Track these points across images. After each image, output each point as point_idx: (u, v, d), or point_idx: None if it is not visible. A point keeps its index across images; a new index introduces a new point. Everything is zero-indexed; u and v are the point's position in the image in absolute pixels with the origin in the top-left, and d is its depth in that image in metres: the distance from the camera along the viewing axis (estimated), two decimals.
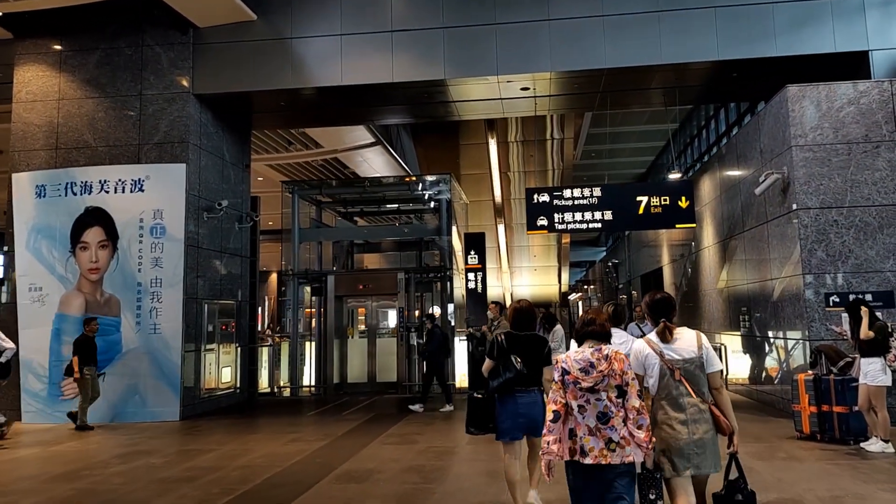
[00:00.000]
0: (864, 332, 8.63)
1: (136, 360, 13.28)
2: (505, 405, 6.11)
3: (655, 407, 4.66)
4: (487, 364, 6.27)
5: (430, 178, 20.21)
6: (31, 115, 14.42)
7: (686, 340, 4.68)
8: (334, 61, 14.05)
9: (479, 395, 6.45)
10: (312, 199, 19.79)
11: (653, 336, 4.75)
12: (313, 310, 18.95)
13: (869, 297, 10.45)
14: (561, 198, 14.51)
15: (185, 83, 14.27)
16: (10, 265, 14.10)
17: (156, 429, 12.28)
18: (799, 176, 11.16)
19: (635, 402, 4.28)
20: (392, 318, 19.58)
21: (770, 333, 12.67)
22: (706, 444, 4.50)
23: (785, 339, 11.97)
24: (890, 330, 8.86)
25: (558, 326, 10.83)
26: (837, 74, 12.51)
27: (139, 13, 14.39)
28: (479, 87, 14.57)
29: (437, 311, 17.94)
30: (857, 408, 8.94)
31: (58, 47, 14.57)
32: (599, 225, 14.60)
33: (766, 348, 12.97)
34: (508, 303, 37.62)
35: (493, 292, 35.89)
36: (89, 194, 13.83)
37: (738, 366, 14.71)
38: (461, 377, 17.29)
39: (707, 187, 16.61)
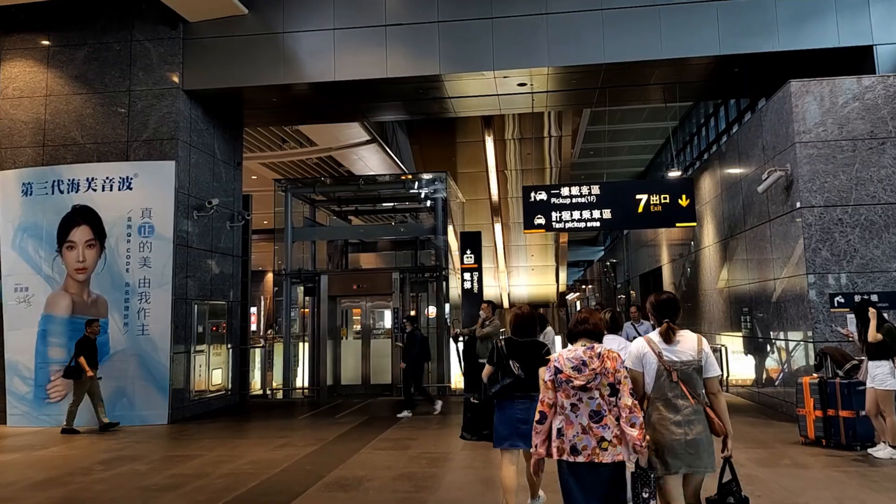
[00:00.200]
0: (872, 334, 8.35)
1: (123, 362, 12.98)
2: (503, 411, 6.02)
3: (650, 407, 4.61)
4: (487, 370, 6.19)
5: (425, 176, 19.98)
6: (17, 111, 14.13)
7: (686, 343, 4.64)
8: (327, 56, 13.77)
9: (476, 400, 6.43)
10: (306, 197, 19.51)
11: (654, 336, 4.71)
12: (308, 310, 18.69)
13: (875, 297, 10.19)
14: (559, 196, 14.24)
15: (174, 79, 13.99)
16: None
17: (143, 433, 11.99)
18: (803, 173, 10.89)
19: (628, 400, 4.29)
20: (387, 319, 19.29)
21: (772, 335, 12.40)
22: (700, 445, 4.48)
23: (787, 340, 11.71)
24: None
25: (549, 328, 10.61)
26: (841, 70, 12.24)
27: (128, 7, 14.12)
28: (475, 82, 14.29)
29: (432, 311, 17.70)
30: (864, 412, 8.65)
31: (45, 42, 14.29)
32: (598, 224, 14.32)
33: (769, 350, 12.69)
34: (506, 303, 37.57)
35: (490, 292, 35.75)
36: (76, 192, 13.55)
37: (740, 367, 14.44)
38: (456, 378, 17.02)
39: (707, 185, 16.34)
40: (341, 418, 13.05)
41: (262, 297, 36.45)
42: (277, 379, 18.45)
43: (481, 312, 11.92)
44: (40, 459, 9.88)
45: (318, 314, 17.45)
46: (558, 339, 18.78)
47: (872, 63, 12.18)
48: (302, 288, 18.31)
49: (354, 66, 13.73)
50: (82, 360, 12.01)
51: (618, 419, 4.31)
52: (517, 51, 13.35)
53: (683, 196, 13.86)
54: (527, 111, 17.77)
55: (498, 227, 34.65)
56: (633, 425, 4.24)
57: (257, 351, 18.78)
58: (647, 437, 4.34)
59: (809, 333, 10.69)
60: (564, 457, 4.37)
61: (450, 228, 19.65)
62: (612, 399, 4.34)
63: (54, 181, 13.63)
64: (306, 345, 18.12)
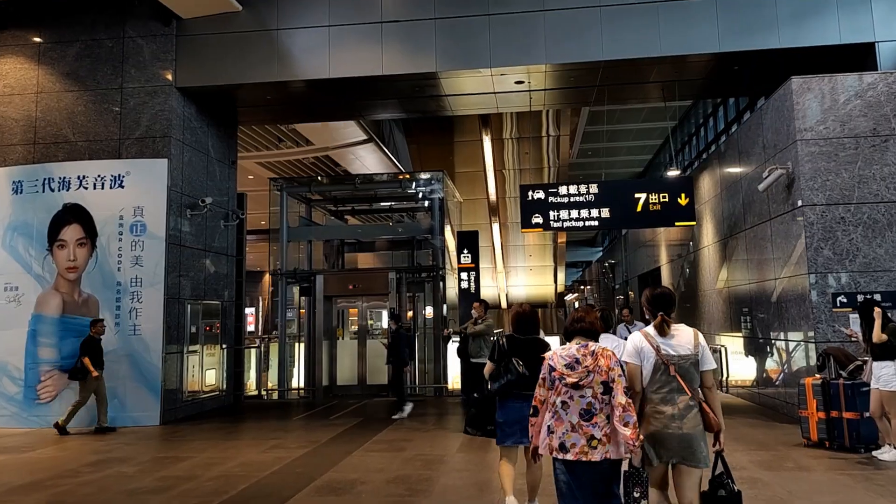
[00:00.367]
0: (877, 334, 8.16)
1: (115, 362, 12.70)
2: (505, 408, 6.05)
3: (645, 399, 4.63)
4: (488, 367, 6.24)
5: (422, 175, 19.80)
6: (8, 108, 13.97)
7: (683, 337, 4.66)
8: (322, 53, 13.61)
9: (478, 396, 6.56)
10: (302, 196, 19.34)
11: (650, 329, 4.73)
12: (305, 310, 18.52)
13: (878, 297, 10.01)
14: (556, 194, 14.07)
15: (167, 76, 13.83)
16: None
17: (134, 434, 11.80)
18: (804, 171, 10.72)
19: (622, 398, 4.30)
20: (383, 319, 19.11)
21: (773, 335, 12.22)
22: (693, 439, 4.48)
23: (788, 340, 11.53)
24: None
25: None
26: (842, 67, 12.09)
27: (120, 4, 13.97)
28: (472, 80, 14.10)
29: (429, 311, 17.52)
30: (868, 414, 8.45)
31: (36, 39, 14.14)
32: (596, 223, 14.14)
33: (769, 350, 12.51)
34: (504, 304, 37.41)
35: (488, 292, 35.60)
36: (67, 190, 13.36)
37: (740, 368, 14.26)
38: (454, 379, 16.85)
39: (707, 185, 16.17)
40: (336, 419, 12.86)
41: (260, 298, 36.25)
42: (273, 380, 18.24)
43: (473, 311, 11.77)
44: (28, 462, 9.67)
45: (313, 314, 17.26)
46: (552, 340, 18.60)
47: (875, 60, 12.02)
48: (297, 288, 18.12)
49: (350, 64, 13.57)
50: (87, 360, 11.86)
51: (609, 417, 4.33)
52: (514, 48, 13.17)
53: (683, 195, 13.69)
54: (524, 110, 17.61)
55: (496, 227, 34.50)
56: (626, 424, 4.24)
57: (253, 351, 18.57)
58: (641, 436, 4.33)
59: (811, 334, 10.51)
60: (553, 454, 4.41)
61: (447, 228, 19.49)
62: (605, 397, 4.36)
63: (45, 179, 13.45)
64: (302, 345, 17.91)
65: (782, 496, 6.86)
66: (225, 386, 15.41)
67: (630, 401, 4.34)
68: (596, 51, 12.96)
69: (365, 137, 23.47)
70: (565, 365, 4.44)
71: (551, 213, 14.04)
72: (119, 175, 13.33)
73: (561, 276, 41.89)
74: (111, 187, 13.29)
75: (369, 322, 18.92)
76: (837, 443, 8.77)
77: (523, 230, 14.61)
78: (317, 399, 16.30)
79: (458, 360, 13.34)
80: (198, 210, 14.14)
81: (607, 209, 13.97)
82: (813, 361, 10.20)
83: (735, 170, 14.05)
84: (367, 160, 25.83)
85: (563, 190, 14.13)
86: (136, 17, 14.01)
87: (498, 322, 18.02)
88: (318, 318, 17.04)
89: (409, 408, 12.98)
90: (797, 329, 11.11)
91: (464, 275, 19.45)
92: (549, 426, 4.47)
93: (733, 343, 14.49)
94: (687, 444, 4.46)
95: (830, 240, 10.54)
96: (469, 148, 30.21)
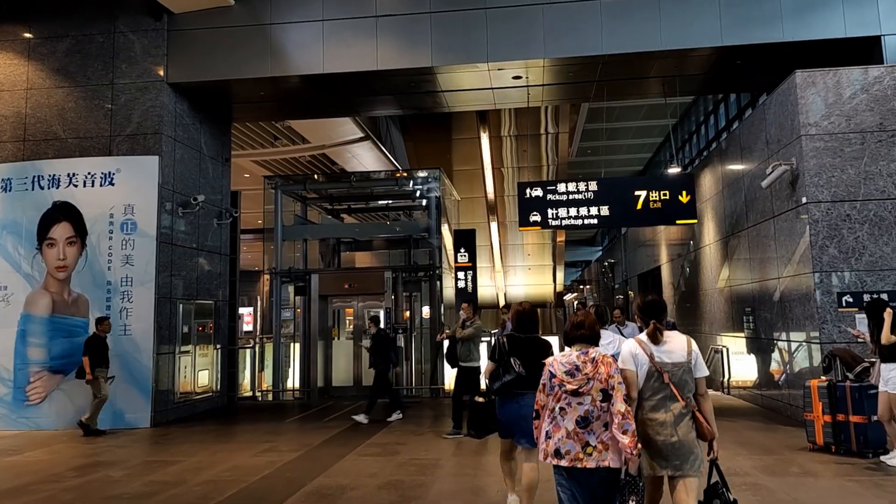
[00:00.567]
0: (886, 336, 7.89)
1: None
2: (505, 407, 6.06)
3: (637, 406, 4.60)
4: (488, 366, 6.26)
5: (419, 173, 19.57)
6: None
7: (676, 344, 4.65)
8: (315, 48, 13.38)
9: (482, 399, 6.45)
10: (297, 194, 19.11)
11: (643, 337, 4.71)
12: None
13: (885, 296, 9.74)
14: (555, 192, 13.83)
15: (158, 72, 13.62)
16: None
17: (124, 436, 11.58)
18: (809, 167, 10.46)
19: (621, 406, 4.28)
20: (380, 319, 18.86)
21: (776, 335, 11.97)
22: (686, 447, 4.48)
23: (792, 341, 11.28)
24: None
25: None
26: (847, 61, 11.76)
27: None
28: (469, 75, 13.86)
29: (426, 311, 17.29)
30: (876, 418, 8.18)
31: (27, 35, 13.93)
32: (595, 221, 13.90)
33: (773, 351, 12.26)
34: (502, 303, 37.19)
35: (486, 292, 35.38)
36: (57, 188, 13.16)
37: (742, 369, 14.02)
38: (450, 380, 16.62)
39: (708, 182, 15.93)
40: (330, 421, 12.63)
41: (258, 298, 36.02)
42: (269, 380, 18.02)
43: (461, 312, 11.35)
44: (13, 465, 9.43)
45: (308, 314, 17.05)
46: (551, 340, 18.36)
47: (881, 54, 11.76)
48: (292, 287, 17.89)
49: (344, 59, 13.35)
50: (86, 360, 11.68)
51: (607, 425, 4.31)
52: (512, 42, 12.93)
53: (684, 192, 13.43)
54: (522, 106, 17.34)
55: (494, 225, 34.28)
56: (625, 432, 4.21)
57: (248, 352, 18.34)
58: (639, 444, 4.31)
59: (816, 334, 10.26)
60: (548, 460, 4.42)
61: (444, 227, 19.26)
62: (604, 405, 4.33)
63: (34, 177, 13.24)
64: (297, 345, 17.70)
65: (788, 503, 6.61)
66: (218, 387, 15.16)
67: (629, 408, 4.32)
68: (595, 45, 12.71)
69: (361, 135, 23.24)
70: (565, 372, 4.41)
71: (550, 210, 13.80)
72: (109, 172, 13.12)
73: (560, 275, 41.70)
74: (101, 185, 13.09)
75: (366, 322, 18.68)
76: (844, 447, 8.51)
77: (521, 228, 14.38)
78: (312, 400, 16.12)
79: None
80: (190, 208, 13.93)
81: (607, 207, 13.72)
82: (818, 362, 9.96)
83: (737, 167, 13.80)
84: (364, 158, 25.60)
85: (561, 187, 13.89)
86: (127, 12, 13.81)
87: (496, 322, 17.74)
88: (313, 318, 16.84)
89: (364, 418, 12.41)
90: (801, 329, 10.86)
91: (461, 274, 19.19)
92: (546, 431, 4.47)
93: (735, 343, 14.25)
94: (679, 451, 4.46)
95: (836, 238, 10.28)
96: (467, 146, 30.00)
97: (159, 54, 13.67)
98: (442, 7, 13.04)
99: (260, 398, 17.33)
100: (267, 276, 30.70)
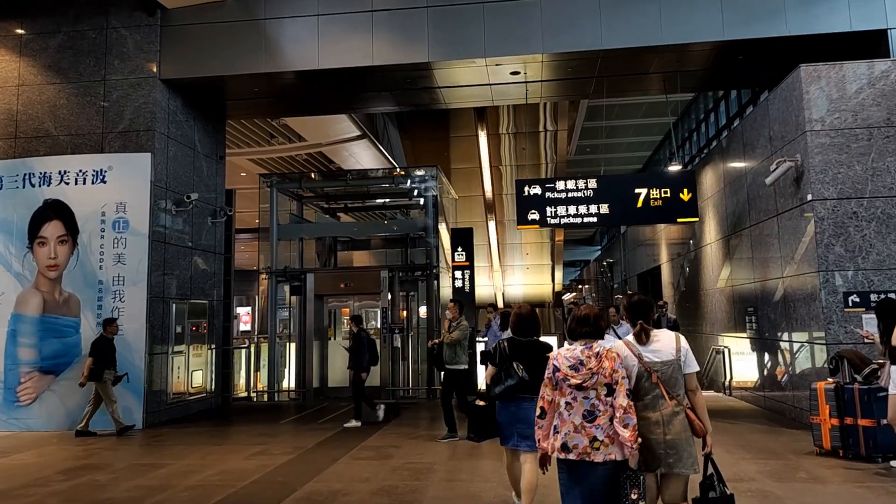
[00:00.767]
0: None
1: None
2: (506, 412, 6.02)
3: None
4: (490, 371, 6.23)
5: (416, 171, 19.35)
6: None
7: (664, 343, 4.65)
8: (311, 43, 13.16)
9: (482, 403, 6.45)
10: (292, 193, 18.89)
11: (631, 338, 4.72)
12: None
13: (893, 295, 9.50)
14: (553, 190, 13.60)
15: (151, 68, 13.42)
16: None
17: (115, 438, 11.36)
18: (814, 164, 10.23)
19: (623, 400, 4.30)
20: (377, 318, 18.66)
21: (780, 336, 11.74)
22: (679, 445, 4.46)
23: (796, 342, 11.05)
24: None
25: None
26: (852, 56, 11.54)
27: None
28: (466, 71, 13.64)
29: (423, 311, 17.08)
30: (885, 421, 7.89)
31: (19, 31, 13.72)
32: (595, 219, 13.64)
33: (776, 352, 12.03)
34: (500, 303, 36.96)
35: (484, 292, 35.13)
36: (48, 186, 12.96)
37: (744, 370, 13.80)
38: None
39: (709, 180, 15.70)
40: (324, 423, 12.39)
41: (257, 298, 35.83)
42: (264, 381, 17.81)
43: (447, 312, 11.03)
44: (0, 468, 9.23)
45: (304, 314, 16.84)
46: (550, 340, 18.17)
47: (887, 49, 11.51)
48: (288, 287, 17.67)
49: (339, 54, 13.13)
50: (89, 362, 11.51)
51: (612, 419, 4.32)
52: (510, 37, 12.71)
53: (685, 190, 13.19)
54: (521, 102, 17.13)
55: (492, 224, 34.03)
56: (626, 426, 4.25)
57: (243, 352, 18.13)
58: (640, 438, 4.32)
59: (821, 334, 10.02)
60: (555, 453, 4.44)
61: (442, 226, 19.06)
62: (609, 399, 4.35)
63: (25, 174, 13.05)
64: (293, 345, 17.49)
65: None
66: (213, 387, 14.94)
67: (631, 403, 4.33)
68: (594, 39, 12.48)
69: (358, 133, 23.02)
70: (569, 366, 4.43)
71: (548, 209, 13.57)
72: (101, 170, 12.94)
73: (559, 275, 41.42)
74: (93, 182, 12.90)
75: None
76: (852, 451, 8.25)
77: (519, 227, 14.14)
78: (307, 401, 15.90)
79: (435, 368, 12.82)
80: (183, 206, 13.73)
81: (607, 205, 13.48)
82: (822, 363, 9.74)
83: (739, 164, 13.57)
84: (361, 157, 25.39)
85: (560, 185, 13.66)
86: (120, 7, 13.61)
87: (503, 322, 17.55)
88: (308, 318, 16.63)
89: (354, 424, 11.97)
90: (806, 330, 10.62)
91: (458, 273, 18.96)
92: (554, 426, 4.49)
93: (737, 344, 14.03)
94: (673, 450, 4.45)
95: (842, 236, 10.04)
96: (465, 144, 29.78)
97: (152, 50, 13.47)
98: (438, 1, 12.82)
99: (255, 399, 17.12)
100: (264, 276, 30.56)
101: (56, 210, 12.88)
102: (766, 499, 6.71)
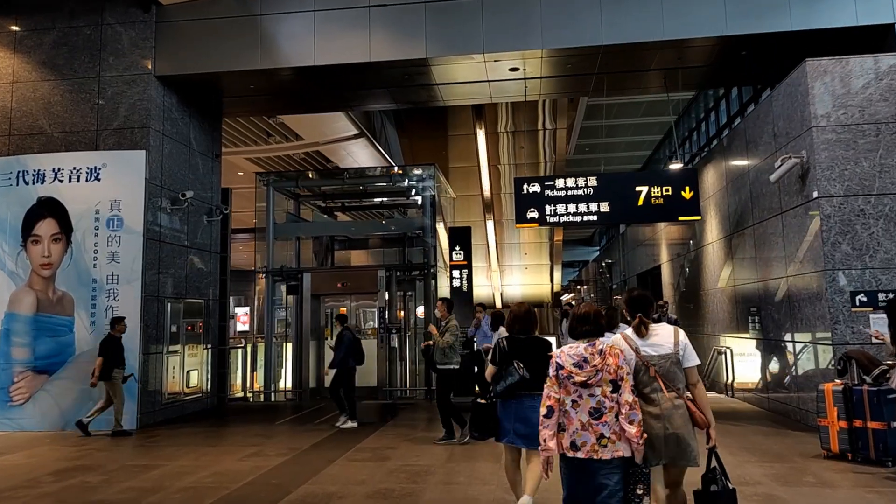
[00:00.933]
0: None
1: (90, 363, 11.95)
2: (507, 409, 6.03)
3: None
4: (490, 369, 6.25)
5: (413, 170, 19.19)
6: None
7: (663, 337, 4.67)
8: (307, 40, 13.02)
9: (483, 401, 6.35)
10: (289, 192, 18.72)
11: (629, 331, 4.76)
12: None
13: None
14: (553, 188, 13.43)
15: (146, 64, 13.29)
16: None
17: (109, 438, 11.20)
18: (820, 160, 10.05)
19: (628, 396, 4.31)
20: (374, 318, 18.50)
21: (784, 336, 11.56)
22: (681, 439, 4.47)
23: (801, 342, 10.87)
24: None
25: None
26: (857, 51, 11.37)
27: None
28: (465, 67, 13.48)
29: (420, 310, 16.91)
30: None
31: (13, 27, 13.60)
32: (595, 217, 13.47)
33: (780, 352, 11.86)
34: (498, 304, 36.81)
35: (482, 292, 34.99)
36: (42, 183, 12.81)
37: (747, 371, 13.62)
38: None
39: (711, 178, 15.53)
40: (321, 423, 12.22)
41: (255, 298, 35.71)
42: (260, 381, 17.65)
43: (436, 311, 10.81)
44: None
45: (300, 314, 16.67)
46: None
47: (893, 43, 11.34)
48: (284, 286, 17.51)
49: (336, 50, 12.99)
50: (99, 361, 11.38)
51: (618, 416, 4.32)
52: (509, 32, 12.57)
53: (687, 188, 13.03)
54: (519, 99, 16.97)
55: (490, 224, 33.89)
56: (631, 422, 4.26)
57: (239, 352, 17.96)
58: (645, 434, 4.33)
59: (827, 335, 9.83)
60: (563, 451, 4.42)
61: (440, 225, 18.90)
62: (614, 396, 4.35)
63: (19, 172, 12.91)
64: (290, 345, 17.31)
65: None
66: (208, 387, 14.77)
67: (636, 399, 4.36)
68: (594, 35, 12.33)
69: (356, 132, 22.85)
70: (573, 364, 4.42)
71: (548, 207, 13.40)
72: (95, 167, 12.78)
73: (557, 275, 41.29)
74: (87, 180, 12.76)
75: (360, 321, 18.35)
76: (861, 455, 8.05)
77: (518, 225, 13.99)
78: (304, 401, 15.74)
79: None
80: (178, 204, 13.60)
81: (607, 203, 13.33)
82: (827, 364, 9.56)
83: (742, 162, 13.39)
84: (359, 156, 25.23)
85: (560, 183, 13.50)
86: (115, 4, 13.50)
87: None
88: (305, 318, 16.46)
89: (344, 421, 11.85)
90: (812, 330, 10.44)
91: (456, 273, 18.81)
92: (560, 423, 4.46)
93: (739, 345, 13.86)
94: (675, 443, 4.46)
95: (849, 234, 9.87)
96: (463, 142, 29.63)
97: (147, 46, 13.33)
98: None
99: (251, 399, 16.96)
100: (261, 276, 30.41)
101: (50, 208, 12.73)
102: (772, 503, 6.53)
